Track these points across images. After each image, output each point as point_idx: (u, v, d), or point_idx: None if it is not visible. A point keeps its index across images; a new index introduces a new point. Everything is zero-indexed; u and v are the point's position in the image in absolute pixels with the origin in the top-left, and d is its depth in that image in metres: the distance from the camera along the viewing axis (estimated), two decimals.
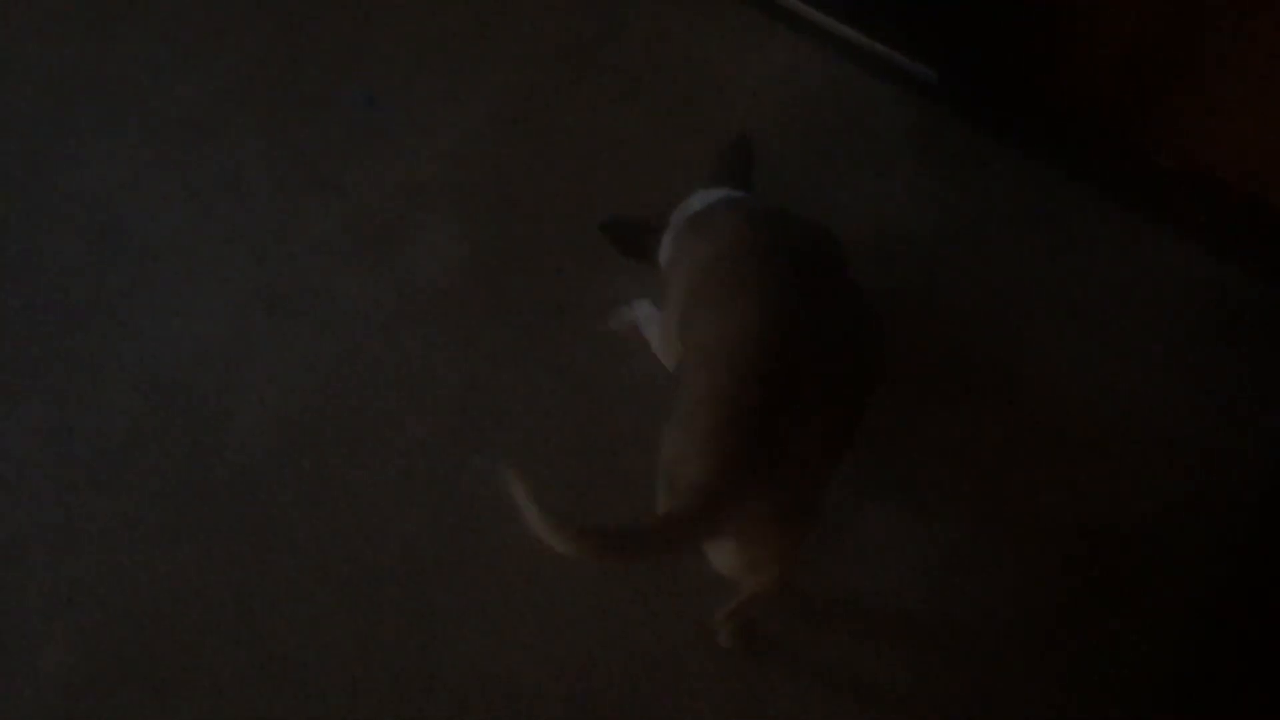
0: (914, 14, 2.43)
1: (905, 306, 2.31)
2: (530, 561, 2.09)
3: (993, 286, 2.34)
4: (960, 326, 2.30)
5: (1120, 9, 2.13)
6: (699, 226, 1.92)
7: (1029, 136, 2.46)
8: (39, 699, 1.99)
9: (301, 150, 2.48)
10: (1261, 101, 2.10)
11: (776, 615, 2.03)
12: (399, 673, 2.01)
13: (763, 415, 1.53)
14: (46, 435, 2.21)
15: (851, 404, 1.65)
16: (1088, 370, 2.26)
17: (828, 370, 1.60)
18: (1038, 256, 2.37)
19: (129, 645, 2.03)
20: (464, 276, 2.35)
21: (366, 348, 2.28)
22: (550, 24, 2.62)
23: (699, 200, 1.98)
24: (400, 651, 2.02)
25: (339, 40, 2.61)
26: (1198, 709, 1.99)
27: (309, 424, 2.21)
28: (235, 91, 2.55)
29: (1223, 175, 2.27)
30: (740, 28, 2.62)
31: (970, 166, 2.46)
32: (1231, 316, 2.30)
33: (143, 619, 2.05)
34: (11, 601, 2.07)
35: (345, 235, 2.39)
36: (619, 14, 2.64)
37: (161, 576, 2.09)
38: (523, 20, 2.62)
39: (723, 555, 1.62)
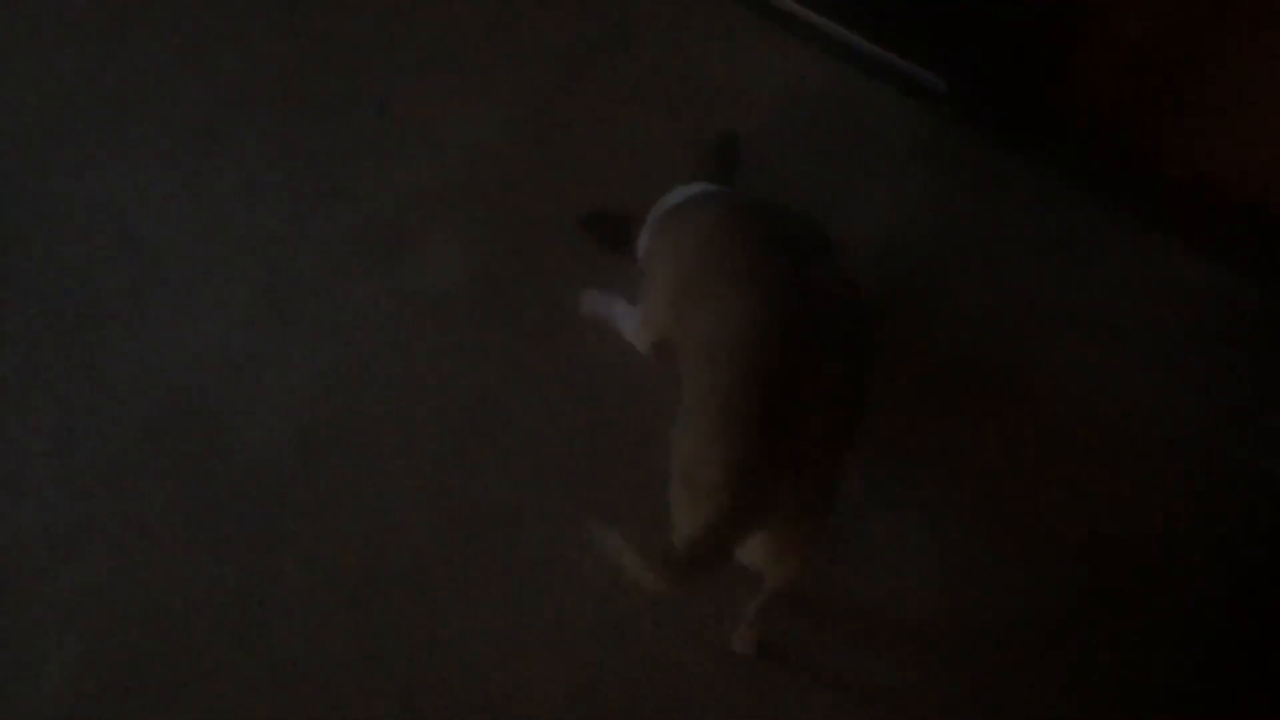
0: (924, 23, 2.43)
1: (912, 314, 2.32)
2: (537, 571, 2.09)
3: (999, 294, 2.35)
4: (967, 333, 2.30)
5: (1128, 19, 2.14)
6: (678, 219, 1.93)
7: (1037, 145, 2.46)
8: (46, 703, 1.99)
9: (311, 157, 2.49)
10: (1266, 110, 2.11)
11: (784, 621, 2.03)
12: (407, 681, 2.01)
13: (772, 407, 1.56)
14: (55, 439, 2.22)
15: (852, 385, 1.66)
16: (1092, 376, 2.26)
17: (826, 354, 1.63)
18: (1044, 264, 2.38)
19: (136, 650, 2.04)
20: (472, 284, 2.35)
21: (375, 354, 2.29)
22: (559, 32, 2.62)
23: (678, 195, 1.99)
24: (408, 660, 2.03)
25: (350, 47, 2.61)
26: (1201, 713, 1.99)
27: (317, 431, 2.22)
28: (245, 98, 2.56)
29: (1227, 182, 2.27)
30: (751, 35, 2.62)
31: (978, 175, 2.46)
32: (1235, 322, 2.30)
33: (150, 624, 2.06)
34: (19, 605, 2.07)
35: (354, 242, 2.40)
36: (629, 22, 2.64)
37: (169, 581, 2.09)
38: (532, 28, 2.63)
39: (750, 548, 1.63)
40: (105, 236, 2.42)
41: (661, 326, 1.95)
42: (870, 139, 2.51)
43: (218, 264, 2.39)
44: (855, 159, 2.49)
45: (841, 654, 2.03)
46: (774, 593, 1.84)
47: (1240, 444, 2.18)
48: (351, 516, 2.15)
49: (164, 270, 2.39)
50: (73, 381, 2.28)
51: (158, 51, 2.62)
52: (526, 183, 2.45)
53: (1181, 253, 2.37)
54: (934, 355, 2.28)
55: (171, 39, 2.63)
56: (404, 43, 2.61)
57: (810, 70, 2.58)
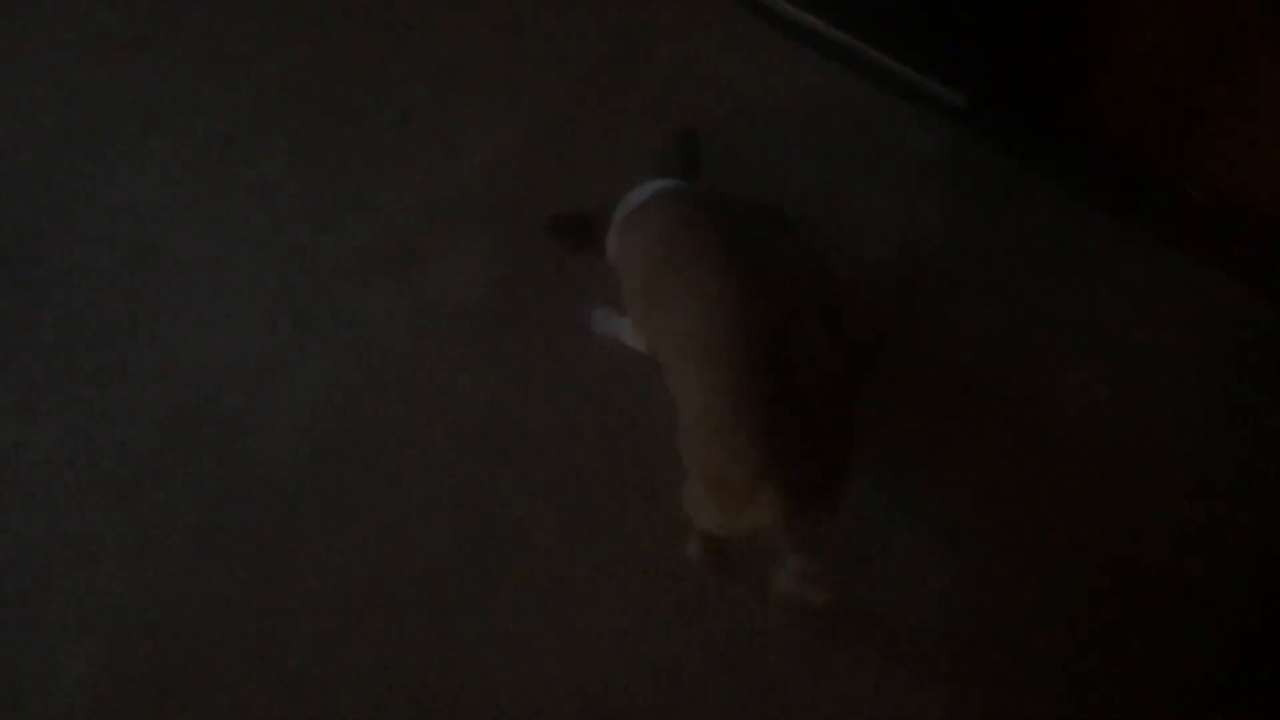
0: (945, 40, 2.42)
1: (925, 328, 2.31)
2: (551, 584, 2.09)
3: (1013, 309, 2.34)
4: (979, 348, 2.29)
5: (1149, 37, 2.13)
6: (640, 221, 1.94)
7: (1058, 164, 2.45)
8: (59, 709, 2.00)
9: (331, 167, 2.50)
10: None
11: (795, 631, 2.03)
12: (419, 693, 2.01)
13: (774, 392, 1.61)
14: (72, 447, 2.23)
15: (837, 353, 1.71)
16: (1106, 393, 2.25)
17: (806, 328, 1.68)
18: (1059, 280, 2.37)
19: (150, 658, 2.04)
20: (490, 295, 2.36)
21: (392, 365, 2.30)
22: (579, 45, 2.63)
23: (640, 193, 2.00)
24: (419, 669, 2.03)
25: (372, 59, 2.63)
26: None
27: (334, 441, 2.23)
28: (267, 108, 2.57)
29: (1246, 201, 2.26)
30: (768, 48, 2.62)
31: (994, 190, 2.46)
32: (1252, 341, 2.28)
33: (164, 632, 2.07)
34: (34, 612, 2.08)
35: (372, 252, 2.41)
36: (647, 35, 2.65)
37: (184, 590, 2.10)
38: (550, 41, 2.64)
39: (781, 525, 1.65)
40: (125, 244, 2.43)
41: (643, 331, 1.99)
42: (886, 153, 2.51)
43: (236, 273, 2.40)
44: (870, 173, 2.49)
45: (851, 664, 2.02)
46: (796, 569, 1.82)
47: (1261, 468, 2.17)
48: (365, 526, 2.15)
49: (183, 279, 2.40)
50: (90, 388, 2.29)
51: (180, 60, 2.64)
52: (545, 195, 2.45)
53: (1199, 271, 2.35)
54: (946, 369, 2.27)
55: (193, 48, 2.65)
56: (424, 55, 2.62)
57: (826, 83, 2.58)
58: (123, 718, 2.00)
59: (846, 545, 2.09)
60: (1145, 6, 2.10)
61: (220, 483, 2.19)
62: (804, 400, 1.62)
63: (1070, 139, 2.41)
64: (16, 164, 2.51)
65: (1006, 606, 2.07)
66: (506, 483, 2.18)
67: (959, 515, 2.14)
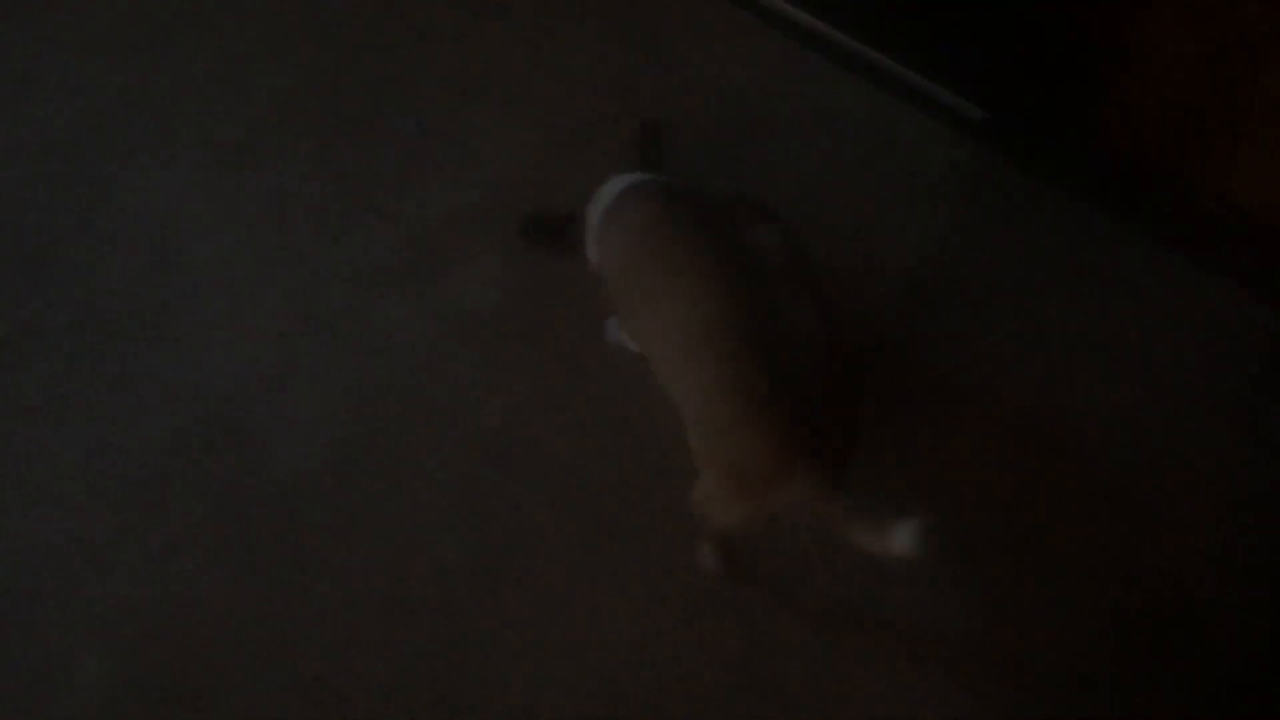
0: (962, 51, 2.43)
1: (948, 347, 2.31)
2: (565, 591, 2.09)
3: (1030, 324, 2.34)
4: (1000, 365, 2.29)
5: (1169, 52, 2.14)
6: (615, 222, 1.95)
7: (1074, 176, 2.45)
8: (71, 713, 1.99)
9: (351, 175, 2.51)
10: None
11: (815, 646, 2.03)
12: (433, 699, 2.01)
13: (771, 374, 1.63)
14: (87, 451, 2.23)
15: (822, 331, 1.73)
16: (1123, 410, 2.25)
17: (789, 308, 1.72)
18: (1076, 295, 2.37)
19: (164, 663, 2.04)
20: (507, 305, 2.36)
21: (408, 373, 2.30)
22: (600, 56, 2.64)
23: (610, 189, 2.01)
24: (433, 679, 2.02)
25: (391, 67, 2.64)
26: None
27: (349, 447, 2.23)
28: (287, 115, 2.58)
29: (1267, 216, 2.26)
30: (788, 60, 2.63)
31: (1011, 203, 2.46)
32: (1275, 359, 2.28)
33: (179, 637, 2.06)
34: (50, 615, 2.08)
35: (391, 261, 2.41)
36: (666, 45, 2.66)
37: (198, 595, 2.10)
38: (573, 52, 2.65)
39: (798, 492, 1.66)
40: (143, 249, 2.44)
41: (633, 336, 2.01)
42: (903, 165, 2.52)
43: (254, 279, 2.41)
44: (887, 185, 2.50)
45: (866, 674, 2.02)
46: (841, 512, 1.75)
47: (1273, 479, 2.16)
48: (379, 533, 2.15)
49: (200, 285, 2.40)
50: (106, 392, 2.29)
51: (202, 66, 2.65)
52: (564, 205, 2.45)
53: (1216, 285, 2.35)
54: (962, 381, 2.27)
55: (216, 55, 2.66)
56: (445, 64, 2.63)
57: (844, 95, 2.59)
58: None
59: (861, 558, 2.09)
60: (1164, 20, 2.10)
61: (235, 489, 2.19)
62: (802, 372, 1.65)
63: (1087, 152, 2.41)
64: (37, 167, 2.52)
65: (1023, 622, 2.06)
66: (521, 491, 2.18)
67: (974, 529, 2.13)
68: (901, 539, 1.54)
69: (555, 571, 2.11)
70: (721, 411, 1.65)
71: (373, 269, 2.41)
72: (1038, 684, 2.01)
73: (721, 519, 1.82)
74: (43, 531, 2.16)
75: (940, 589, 2.07)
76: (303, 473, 2.20)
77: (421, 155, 2.52)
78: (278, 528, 2.15)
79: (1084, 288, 2.37)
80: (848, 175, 2.49)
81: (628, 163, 2.10)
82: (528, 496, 2.17)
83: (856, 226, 2.43)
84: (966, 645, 2.04)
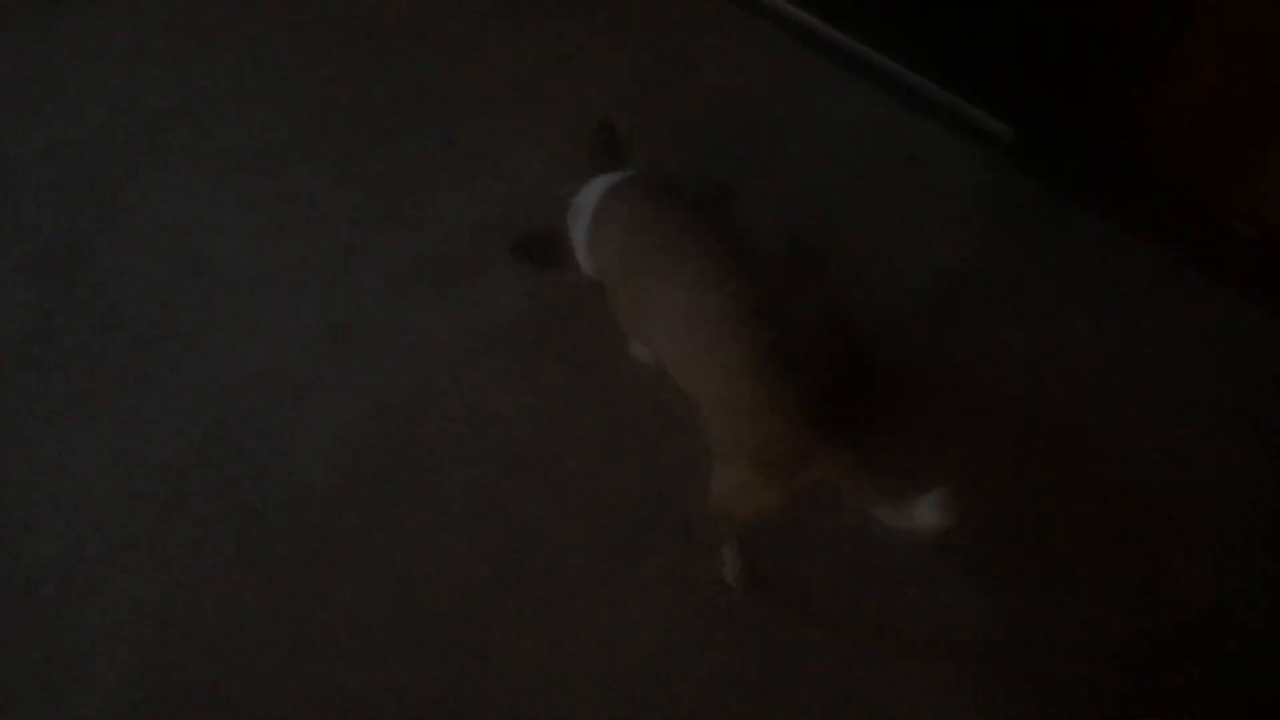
0: (993, 70, 2.42)
1: (966, 359, 2.30)
2: (584, 603, 2.09)
3: (1057, 343, 2.32)
4: (1030, 388, 2.27)
5: (1202, 73, 2.12)
6: (605, 222, 1.95)
7: (1104, 197, 2.44)
8: (93, 715, 2.00)
9: (377, 183, 2.52)
10: None
11: (834, 658, 2.02)
12: (450, 708, 2.00)
13: (787, 353, 1.63)
14: (115, 455, 2.25)
15: (825, 295, 1.77)
16: (1151, 431, 2.22)
17: (793, 285, 1.75)
18: (1105, 315, 2.35)
19: (185, 666, 2.05)
20: (530, 315, 2.37)
21: (430, 382, 2.30)
22: (625, 68, 2.65)
23: (588, 197, 2.01)
24: (451, 688, 2.02)
25: (419, 77, 2.65)
26: None
27: (371, 455, 2.23)
28: (314, 124, 2.60)
29: None
30: (815, 73, 2.63)
31: (1040, 223, 2.45)
32: None
33: (200, 641, 2.07)
34: (73, 618, 2.09)
35: (415, 269, 2.42)
36: (691, 56, 2.66)
37: (219, 600, 2.10)
38: (596, 62, 2.65)
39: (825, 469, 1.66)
40: (170, 253, 2.46)
41: (639, 337, 2.02)
42: (930, 183, 2.51)
43: (279, 285, 2.42)
44: (914, 202, 2.49)
45: (886, 689, 2.00)
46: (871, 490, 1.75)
47: None
48: (401, 542, 2.15)
49: (226, 290, 2.42)
50: (132, 396, 2.31)
51: (232, 74, 2.68)
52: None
53: (1247, 308, 2.33)
54: (986, 399, 2.25)
55: (245, 62, 2.69)
56: (472, 74, 2.65)
57: (871, 111, 2.58)
58: None
59: (884, 573, 2.08)
60: (1201, 41, 2.09)
61: (257, 493, 2.20)
62: (816, 350, 1.67)
63: (1118, 173, 2.40)
64: (67, 169, 2.55)
65: (1044, 640, 2.04)
66: (541, 501, 2.18)
67: (996, 546, 2.12)
68: (927, 510, 1.53)
69: (572, 582, 2.11)
70: (746, 393, 1.64)
71: (397, 277, 2.42)
72: (1060, 700, 1.99)
73: (746, 508, 1.81)
74: (67, 534, 2.17)
75: (959, 601, 2.06)
76: (324, 478, 2.21)
77: (448, 165, 2.53)
78: (299, 532, 2.16)
79: (1111, 306, 2.36)
80: (871, 191, 2.49)
81: (595, 166, 2.11)
82: (546, 506, 2.17)
83: (881, 241, 2.43)
84: (985, 662, 2.03)
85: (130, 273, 2.44)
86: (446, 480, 2.21)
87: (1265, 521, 2.13)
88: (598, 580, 2.11)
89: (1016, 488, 2.16)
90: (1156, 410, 2.25)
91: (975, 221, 2.45)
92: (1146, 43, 2.16)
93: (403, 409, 2.28)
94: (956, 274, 2.40)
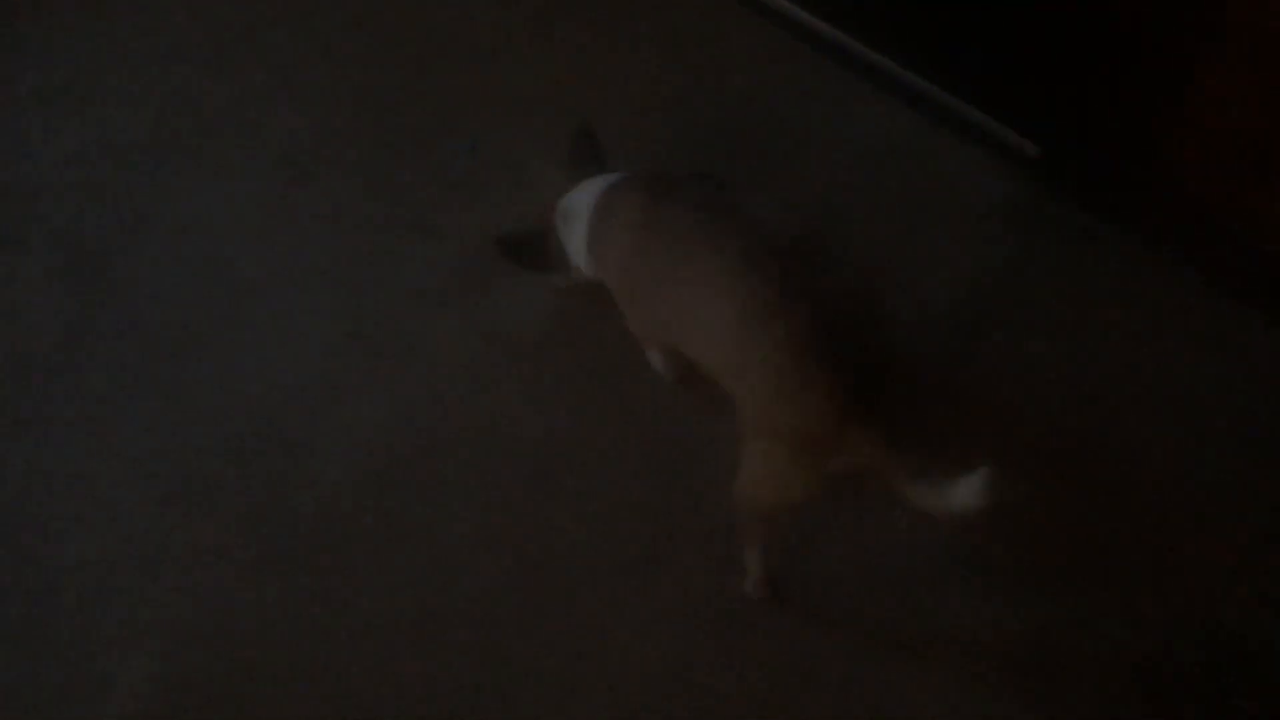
0: (1019, 86, 2.41)
1: (987, 377, 2.29)
2: (603, 615, 2.09)
3: (1079, 362, 2.30)
4: (1051, 407, 2.26)
5: (1232, 92, 2.11)
6: (609, 222, 1.94)
7: (1130, 215, 2.42)
8: (115, 717, 2.02)
9: (400, 191, 2.53)
10: None
11: (856, 674, 2.01)
12: (465, 717, 2.01)
13: (822, 335, 1.64)
14: (136, 460, 2.26)
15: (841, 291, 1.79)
16: (1172, 452, 2.21)
17: (811, 265, 1.75)
18: (1128, 335, 2.33)
19: (203, 672, 2.06)
20: (552, 325, 2.37)
21: (453, 392, 2.31)
22: (651, 79, 2.65)
23: (580, 201, 2.01)
24: (470, 697, 2.02)
25: (446, 87, 2.66)
26: None
27: (393, 465, 2.24)
28: (340, 131, 2.61)
29: None
30: (838, 86, 2.62)
31: (1063, 240, 2.43)
32: None
33: (219, 647, 2.08)
34: (94, 623, 2.10)
35: (438, 278, 2.42)
36: (720, 72, 2.66)
37: (239, 606, 2.11)
38: (625, 75, 2.65)
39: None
40: (193, 259, 2.47)
41: (656, 335, 2.03)
42: (953, 199, 2.50)
43: (302, 293, 2.43)
44: (936, 218, 2.48)
45: (907, 705, 1.99)
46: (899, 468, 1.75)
47: None
48: (421, 550, 2.16)
49: (249, 297, 2.43)
50: (155, 402, 2.32)
51: (257, 80, 2.68)
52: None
53: (1274, 328, 2.31)
54: (1010, 416, 2.24)
55: (271, 68, 2.70)
56: (497, 84, 2.65)
57: (896, 125, 2.57)
58: None
59: (902, 588, 2.08)
60: (1224, 59, 2.08)
61: (279, 501, 2.21)
62: (847, 329, 1.67)
63: (1145, 190, 2.38)
64: (92, 172, 2.56)
65: (1065, 657, 2.03)
66: (560, 511, 2.18)
67: (1018, 561, 2.11)
68: (968, 489, 1.52)
69: (591, 593, 2.11)
70: (784, 372, 1.65)
71: (421, 287, 2.42)
72: (1077, 712, 1.98)
73: (777, 495, 1.80)
74: (87, 538, 2.18)
75: (977, 617, 2.05)
76: (346, 486, 2.22)
77: (472, 174, 2.54)
78: (320, 540, 2.17)
79: (1134, 326, 2.33)
80: (892, 206, 2.48)
81: (579, 170, 2.13)
82: (567, 518, 2.17)
83: (903, 254, 2.42)
84: (1003, 678, 2.02)
85: (156, 278, 2.45)
86: (466, 490, 2.21)
87: None
88: (616, 592, 2.11)
89: (1034, 497, 2.15)
90: (1177, 426, 2.23)
91: (996, 237, 2.44)
92: (1176, 59, 2.14)
93: (424, 419, 2.28)
94: (979, 286, 2.39)
